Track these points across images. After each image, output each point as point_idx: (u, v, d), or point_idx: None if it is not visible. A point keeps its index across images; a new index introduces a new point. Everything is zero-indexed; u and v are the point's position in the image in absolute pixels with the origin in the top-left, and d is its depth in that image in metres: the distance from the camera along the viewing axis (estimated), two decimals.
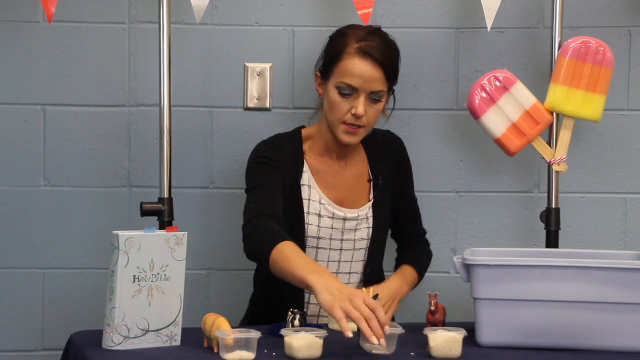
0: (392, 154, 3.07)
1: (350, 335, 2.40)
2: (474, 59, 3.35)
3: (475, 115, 3.12)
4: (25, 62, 3.28)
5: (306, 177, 2.97)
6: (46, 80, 3.29)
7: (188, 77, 3.31)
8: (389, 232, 3.13)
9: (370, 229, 3.00)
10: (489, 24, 3.13)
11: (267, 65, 3.33)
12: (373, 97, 2.89)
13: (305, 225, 2.94)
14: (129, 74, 3.31)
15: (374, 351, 2.45)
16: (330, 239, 2.97)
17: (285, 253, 2.65)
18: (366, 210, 3.00)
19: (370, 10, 3.08)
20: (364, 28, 2.95)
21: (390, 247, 3.12)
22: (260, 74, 3.33)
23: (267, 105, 3.34)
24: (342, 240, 2.98)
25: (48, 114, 3.30)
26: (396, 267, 3.08)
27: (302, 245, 2.92)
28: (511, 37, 3.34)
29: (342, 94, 2.88)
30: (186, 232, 2.59)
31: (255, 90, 3.33)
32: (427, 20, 3.34)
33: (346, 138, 2.91)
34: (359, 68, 2.87)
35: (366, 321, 2.41)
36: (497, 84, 3.10)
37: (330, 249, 2.97)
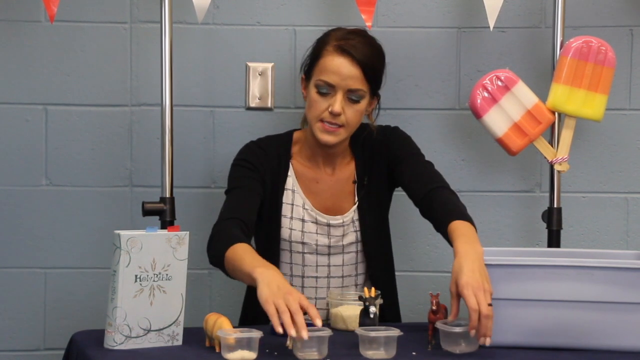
0: (385, 149, 3.01)
1: (280, 330, 2.40)
2: (476, 58, 3.35)
3: (477, 114, 3.12)
4: (27, 62, 3.28)
5: (290, 182, 2.96)
6: (48, 80, 3.29)
7: (190, 77, 3.31)
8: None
9: (358, 232, 2.99)
10: (491, 24, 3.13)
11: (269, 65, 3.33)
12: (351, 97, 2.87)
13: (289, 230, 2.94)
14: (130, 73, 3.31)
15: (374, 358, 2.45)
16: (317, 244, 2.96)
17: (238, 252, 2.67)
18: (351, 214, 2.98)
19: (373, 9, 3.08)
20: (347, 29, 2.94)
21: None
22: (262, 73, 3.33)
23: (269, 105, 3.34)
24: (329, 246, 2.97)
25: (50, 113, 3.30)
26: (441, 231, 2.79)
27: (278, 247, 2.94)
28: (513, 37, 3.34)
29: (321, 93, 2.87)
30: (188, 232, 2.59)
31: (257, 90, 3.34)
32: (429, 20, 3.34)
33: (323, 137, 2.88)
34: (335, 65, 2.85)
35: (292, 315, 2.41)
36: (499, 83, 3.10)
37: (317, 253, 2.97)
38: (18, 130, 3.29)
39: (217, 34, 3.32)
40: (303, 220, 2.95)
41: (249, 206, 2.88)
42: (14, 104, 3.29)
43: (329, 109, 2.86)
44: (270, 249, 2.95)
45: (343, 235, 2.98)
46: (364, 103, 2.90)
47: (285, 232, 2.95)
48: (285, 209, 2.95)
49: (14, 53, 3.28)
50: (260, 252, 2.89)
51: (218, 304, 3.33)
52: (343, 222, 2.98)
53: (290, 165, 2.98)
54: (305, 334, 2.39)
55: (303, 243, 2.95)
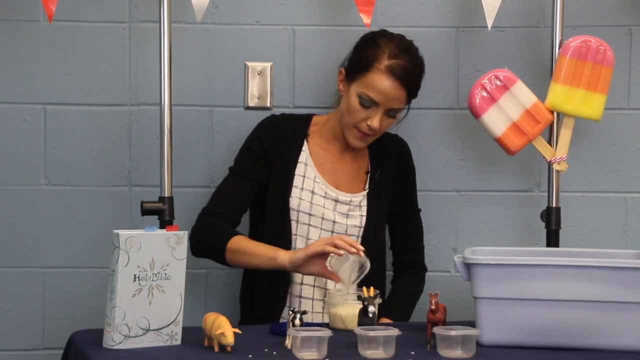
0: (395, 157, 3.13)
1: (354, 250, 2.73)
2: (475, 58, 3.35)
3: (475, 114, 3.12)
4: (25, 62, 3.28)
5: (304, 156, 3.06)
6: (47, 80, 3.29)
7: (189, 76, 3.31)
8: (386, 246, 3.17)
9: (364, 218, 3.04)
10: (489, 23, 3.13)
11: (268, 65, 3.33)
12: (390, 113, 2.98)
13: (298, 200, 3.01)
14: (129, 73, 3.31)
15: (373, 357, 2.45)
16: (323, 218, 3.02)
17: (242, 242, 2.91)
18: (360, 198, 3.06)
19: (372, 9, 3.08)
20: (397, 41, 3.00)
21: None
22: (261, 73, 3.33)
23: (268, 105, 3.34)
24: (334, 222, 3.02)
25: (49, 113, 3.30)
26: (389, 296, 3.11)
27: (288, 222, 3.01)
28: (512, 36, 3.34)
29: (363, 104, 2.96)
30: (187, 232, 2.59)
31: (255, 90, 3.34)
32: (428, 20, 3.34)
33: (355, 142, 3.03)
34: (384, 86, 2.94)
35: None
36: (498, 83, 3.10)
37: (321, 228, 3.02)
38: (17, 130, 3.29)
39: (216, 33, 3.32)
40: (313, 192, 3.03)
41: (239, 198, 3.02)
42: (13, 103, 3.29)
43: (368, 122, 2.97)
44: (281, 218, 3.01)
45: (348, 215, 3.04)
46: (399, 115, 3.03)
47: (294, 202, 3.02)
48: (297, 180, 3.04)
49: (12, 53, 3.28)
50: (271, 221, 3.01)
51: (216, 304, 3.33)
52: (351, 200, 3.05)
53: (305, 142, 3.07)
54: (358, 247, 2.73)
55: (310, 214, 3.01)
